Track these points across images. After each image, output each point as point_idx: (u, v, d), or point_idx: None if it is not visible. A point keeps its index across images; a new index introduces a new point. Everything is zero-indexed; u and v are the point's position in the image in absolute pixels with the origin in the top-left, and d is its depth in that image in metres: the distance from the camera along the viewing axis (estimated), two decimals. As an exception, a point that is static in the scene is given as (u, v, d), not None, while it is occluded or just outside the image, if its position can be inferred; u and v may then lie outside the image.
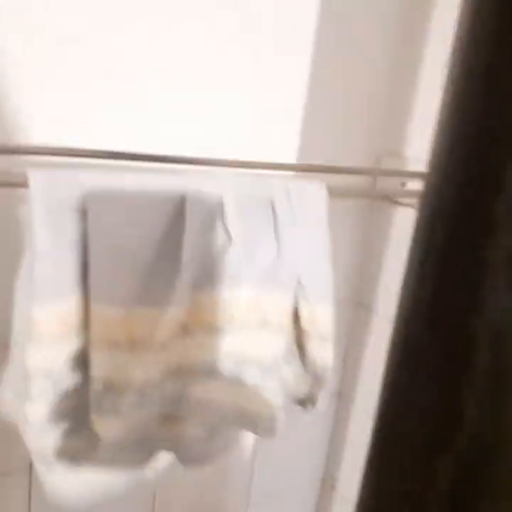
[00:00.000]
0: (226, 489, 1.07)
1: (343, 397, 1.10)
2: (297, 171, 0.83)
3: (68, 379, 0.51)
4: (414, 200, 0.90)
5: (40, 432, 0.52)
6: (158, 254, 0.51)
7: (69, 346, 0.50)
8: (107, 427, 0.50)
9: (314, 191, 0.58)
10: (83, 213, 0.48)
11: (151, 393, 0.51)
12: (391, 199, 0.95)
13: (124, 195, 0.49)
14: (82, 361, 0.51)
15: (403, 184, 0.94)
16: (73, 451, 0.53)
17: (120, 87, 0.65)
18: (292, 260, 0.56)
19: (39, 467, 0.56)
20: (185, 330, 0.53)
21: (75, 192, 0.47)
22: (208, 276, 0.52)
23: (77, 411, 0.52)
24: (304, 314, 0.56)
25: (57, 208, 0.47)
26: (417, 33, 0.90)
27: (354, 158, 0.93)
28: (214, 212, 0.53)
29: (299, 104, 0.84)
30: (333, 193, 0.66)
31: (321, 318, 0.56)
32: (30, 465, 0.68)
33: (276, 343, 0.55)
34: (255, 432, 0.55)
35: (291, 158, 0.85)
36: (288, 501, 1.19)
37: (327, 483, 1.20)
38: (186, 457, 0.58)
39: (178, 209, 0.51)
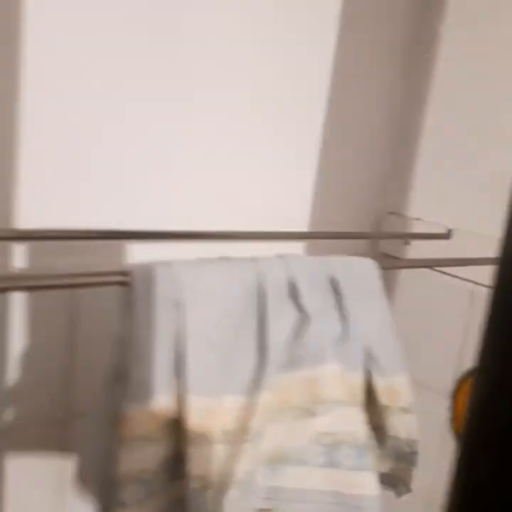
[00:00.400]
0: None
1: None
2: (310, 238, 0.87)
3: (162, 479, 0.49)
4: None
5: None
6: (244, 341, 0.51)
7: (163, 445, 0.49)
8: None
9: (367, 266, 0.61)
10: (179, 307, 0.47)
11: (250, 486, 0.50)
12: (395, 256, 1.00)
13: (213, 286, 0.49)
14: (175, 459, 0.50)
15: (407, 242, 0.99)
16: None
17: (151, 171, 0.67)
18: (361, 334, 0.57)
19: None
20: (274, 415, 0.52)
21: (172, 287, 0.47)
22: (291, 358, 0.53)
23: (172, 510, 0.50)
24: (381, 388, 0.57)
25: (158, 304, 0.46)
26: (417, 95, 0.97)
27: (357, 220, 0.98)
28: (291, 296, 0.54)
29: (307, 176, 0.88)
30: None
31: (400, 390, 0.57)
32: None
33: (364, 420, 0.56)
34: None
35: (302, 225, 0.90)
36: None
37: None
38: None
39: (258, 297, 0.52)
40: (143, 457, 0.47)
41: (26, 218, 0.58)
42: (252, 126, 0.77)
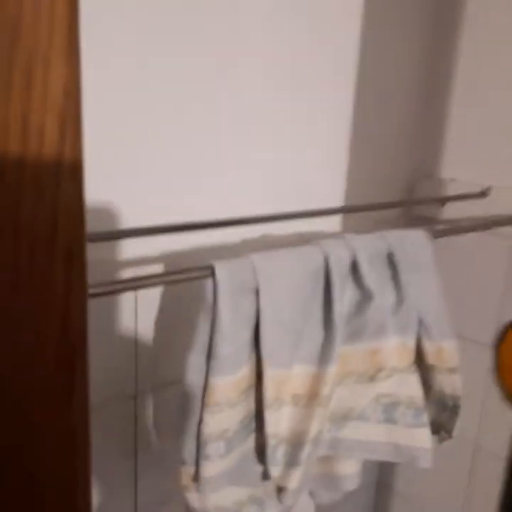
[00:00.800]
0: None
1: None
2: (348, 212, 0.91)
3: (241, 437, 0.57)
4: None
5: (214, 489, 0.57)
6: (312, 318, 0.57)
7: (242, 409, 0.56)
8: (290, 478, 0.56)
9: (420, 238, 0.65)
10: (255, 293, 0.53)
11: (319, 441, 0.57)
12: (432, 218, 1.04)
13: (286, 271, 0.55)
14: (252, 421, 0.57)
15: (443, 204, 1.03)
16: (245, 498, 0.59)
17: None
18: (413, 303, 0.63)
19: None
20: (339, 381, 0.59)
21: (249, 276, 0.52)
22: (355, 331, 0.59)
23: (247, 464, 0.58)
24: (430, 351, 0.63)
25: (237, 291, 0.52)
26: (445, 56, 0.98)
27: (393, 185, 1.02)
28: (352, 273, 0.59)
29: (341, 147, 0.92)
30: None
31: (447, 353, 0.63)
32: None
33: (419, 382, 0.62)
34: (412, 464, 0.61)
35: (339, 196, 0.94)
36: (350, 503, 1.26)
37: (382, 484, 1.28)
38: (333, 494, 0.64)
39: (324, 277, 0.57)
40: (225, 419, 0.54)
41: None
42: (285, 104, 0.80)
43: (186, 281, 0.48)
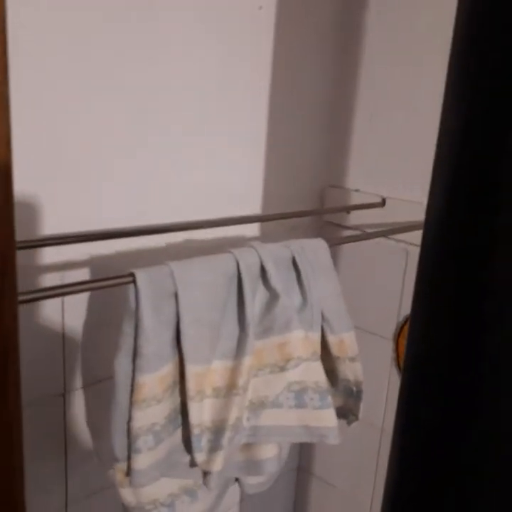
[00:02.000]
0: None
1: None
2: (265, 221, 0.99)
3: (168, 429, 0.62)
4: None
5: (145, 481, 0.63)
6: (228, 318, 0.64)
7: (169, 404, 0.62)
8: (213, 462, 0.62)
9: (319, 245, 0.75)
10: (175, 297, 0.59)
11: (238, 428, 0.64)
12: (339, 224, 1.14)
13: (202, 276, 0.61)
14: (178, 415, 0.63)
15: (348, 212, 1.13)
16: (177, 490, 0.65)
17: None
18: (316, 302, 0.71)
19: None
20: (254, 372, 0.66)
21: (168, 282, 0.59)
22: (266, 327, 0.66)
23: (176, 455, 0.64)
24: (333, 343, 0.72)
25: (157, 296, 0.58)
26: (347, 78, 1.09)
27: (304, 194, 1.12)
28: (261, 277, 0.67)
29: (258, 161, 1.00)
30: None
31: (347, 344, 0.73)
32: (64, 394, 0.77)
33: (323, 371, 0.70)
34: (322, 442, 0.70)
35: (257, 203, 1.02)
36: (273, 489, 1.35)
37: (303, 469, 1.38)
38: (256, 480, 0.72)
39: (237, 281, 0.65)
40: (152, 414, 0.60)
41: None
42: (202, 116, 0.87)
43: (109, 287, 0.53)
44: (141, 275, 0.56)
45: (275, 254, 0.68)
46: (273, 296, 0.67)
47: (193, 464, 0.66)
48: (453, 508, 0.42)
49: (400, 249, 1.06)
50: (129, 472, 0.62)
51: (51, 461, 0.80)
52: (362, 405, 0.75)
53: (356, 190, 1.13)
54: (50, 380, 0.76)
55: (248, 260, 0.65)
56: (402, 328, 1.09)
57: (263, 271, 0.67)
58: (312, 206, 1.15)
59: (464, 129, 0.38)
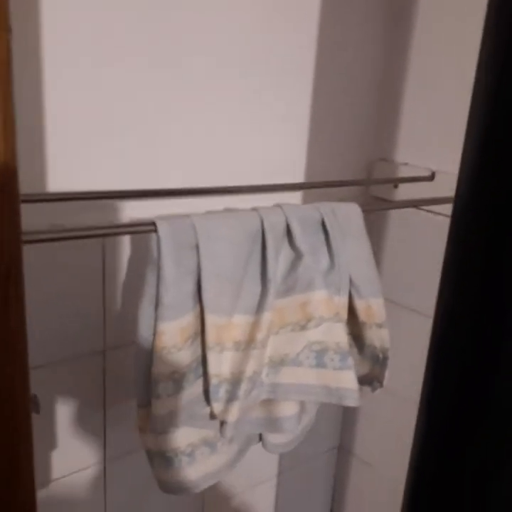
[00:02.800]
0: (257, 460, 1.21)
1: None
2: (305, 188, 0.98)
3: (187, 378, 0.64)
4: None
5: (165, 428, 0.65)
6: (250, 275, 0.65)
7: (189, 354, 0.63)
8: (229, 412, 0.64)
9: (351, 209, 0.73)
10: (196, 249, 0.61)
11: (256, 382, 0.65)
12: (386, 199, 1.11)
13: (223, 230, 0.62)
14: (199, 366, 0.65)
15: (395, 185, 1.10)
16: (197, 441, 0.67)
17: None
18: (344, 266, 0.70)
19: (157, 465, 0.68)
20: (275, 330, 0.67)
21: (189, 233, 0.60)
22: (289, 286, 0.67)
23: (196, 406, 0.66)
24: (360, 308, 0.71)
25: (178, 247, 0.59)
26: (398, 47, 1.06)
27: (351, 166, 1.09)
28: (286, 236, 0.67)
29: (303, 130, 0.99)
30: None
31: (375, 309, 0.71)
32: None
33: (345, 333, 0.70)
34: (342, 404, 0.69)
35: (300, 175, 1.01)
36: (313, 467, 1.34)
37: (344, 449, 1.36)
38: (279, 440, 0.72)
39: (259, 237, 0.65)
40: (172, 362, 0.62)
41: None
42: (247, 84, 0.87)
43: (130, 234, 0.55)
44: (162, 224, 0.58)
45: (302, 215, 0.68)
46: (297, 256, 0.67)
47: (212, 415, 0.67)
48: (477, 472, 0.41)
49: (448, 224, 1.02)
50: (149, 417, 0.64)
51: (91, 417, 0.84)
52: (387, 373, 0.73)
53: (405, 164, 1.10)
54: (90, 337, 0.79)
55: (273, 219, 0.66)
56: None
57: (288, 230, 0.67)
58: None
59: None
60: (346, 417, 1.33)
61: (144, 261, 0.68)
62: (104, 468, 0.90)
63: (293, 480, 1.31)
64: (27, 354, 0.40)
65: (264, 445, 0.79)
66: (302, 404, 0.74)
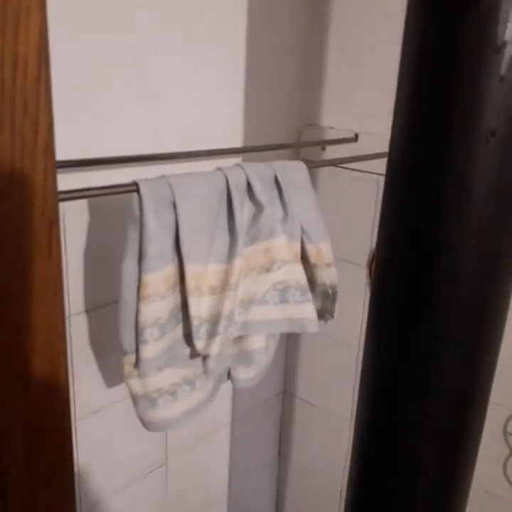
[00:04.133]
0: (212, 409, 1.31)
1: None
2: (242, 152, 1.07)
3: (171, 323, 0.72)
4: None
5: (153, 371, 0.72)
6: (220, 227, 0.73)
7: (171, 301, 0.71)
8: (211, 346, 0.72)
9: (298, 166, 0.83)
10: (173, 206, 0.68)
11: (232, 320, 0.74)
12: (315, 160, 1.22)
13: (196, 188, 0.70)
14: (179, 312, 0.72)
15: (323, 148, 1.22)
16: (179, 380, 0.75)
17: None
18: (296, 215, 0.81)
19: (142, 406, 0.75)
20: (244, 274, 0.76)
21: (167, 192, 0.67)
22: (253, 235, 0.76)
23: (177, 347, 0.73)
24: (311, 252, 0.82)
25: (158, 203, 0.66)
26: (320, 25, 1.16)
27: (282, 132, 1.19)
28: (248, 191, 0.75)
29: (235, 100, 1.07)
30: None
31: (324, 251, 0.82)
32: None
33: (303, 272, 0.80)
34: (304, 331, 0.80)
35: (237, 143, 1.09)
36: (261, 413, 1.47)
37: (288, 393, 1.50)
38: (251, 364, 0.82)
39: (225, 194, 0.73)
40: (157, 309, 0.69)
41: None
42: (185, 56, 0.92)
43: (114, 194, 0.61)
44: (143, 184, 0.64)
45: (260, 173, 0.77)
46: (258, 209, 0.76)
47: (192, 355, 0.76)
48: (419, 386, 0.53)
49: (372, 180, 1.15)
50: (137, 363, 0.71)
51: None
52: (337, 305, 0.85)
53: (331, 128, 1.21)
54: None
55: (236, 177, 0.74)
56: (374, 255, 1.19)
57: (249, 187, 0.76)
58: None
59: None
60: (289, 363, 1.46)
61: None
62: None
63: (244, 426, 1.43)
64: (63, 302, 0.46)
65: (232, 382, 0.88)
66: (267, 337, 0.84)
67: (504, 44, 0.57)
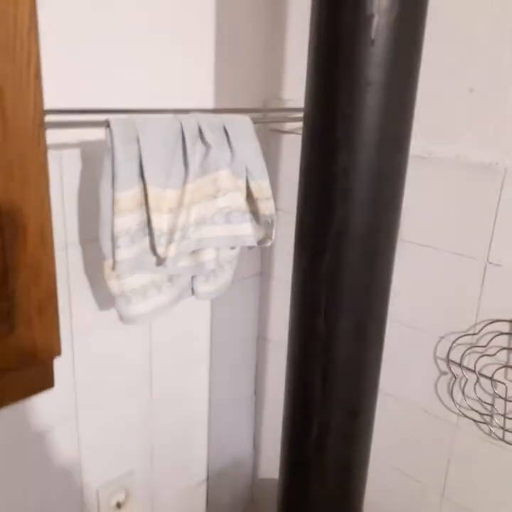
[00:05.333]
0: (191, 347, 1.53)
1: (264, 276, 1.61)
2: (216, 112, 1.29)
3: (139, 234, 0.94)
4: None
5: (126, 273, 0.94)
6: (176, 161, 0.96)
7: (138, 216, 0.94)
8: (170, 250, 0.95)
9: (244, 120, 1.05)
10: (137, 141, 0.90)
11: (185, 233, 0.96)
12: (279, 130, 1.44)
13: (155, 129, 0.92)
14: (145, 225, 0.95)
15: (285, 118, 1.44)
16: (147, 283, 0.98)
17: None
18: (241, 158, 1.03)
19: (119, 303, 0.98)
20: (196, 199, 0.98)
21: (132, 129, 0.89)
22: (203, 169, 0.98)
23: (145, 256, 0.96)
24: (254, 188, 1.04)
25: (125, 138, 0.89)
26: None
27: (250, 102, 1.42)
28: (199, 134, 0.98)
29: (207, 67, 1.29)
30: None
31: (264, 188, 1.05)
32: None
33: (243, 198, 1.03)
34: (244, 245, 1.02)
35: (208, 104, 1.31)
36: (237, 354, 1.68)
37: (261, 336, 1.71)
38: (208, 279, 1.05)
39: (180, 135, 0.96)
40: (127, 221, 0.92)
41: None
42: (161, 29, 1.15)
43: (89, 127, 0.83)
44: (113, 122, 0.87)
45: (209, 121, 1.00)
46: (207, 148, 0.99)
47: (157, 263, 0.98)
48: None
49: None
50: (114, 265, 0.94)
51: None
52: (274, 230, 1.08)
53: (290, 100, 1.43)
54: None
55: (189, 122, 0.97)
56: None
57: (200, 131, 0.98)
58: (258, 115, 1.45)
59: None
60: (262, 309, 1.68)
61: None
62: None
63: (222, 365, 1.64)
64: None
65: (196, 295, 1.11)
66: (221, 264, 1.08)
67: (372, 15, 0.82)
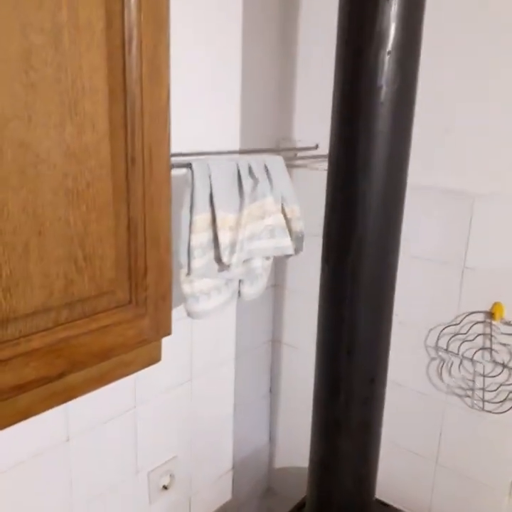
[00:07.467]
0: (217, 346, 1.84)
1: (278, 287, 1.95)
2: (239, 153, 1.65)
3: (209, 248, 1.27)
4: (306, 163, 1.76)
5: (197, 278, 1.27)
6: (233, 192, 1.30)
7: (208, 233, 1.26)
8: (232, 258, 1.28)
9: (279, 159, 1.41)
10: (209, 177, 1.24)
11: (242, 246, 1.30)
12: (291, 164, 1.81)
13: (221, 168, 1.26)
14: (211, 241, 1.28)
15: (295, 155, 1.80)
16: (211, 286, 1.30)
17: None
18: (278, 188, 1.38)
19: (190, 302, 1.29)
20: (249, 220, 1.32)
21: (206, 169, 1.23)
22: (253, 198, 1.33)
23: (211, 264, 1.29)
24: (288, 210, 1.39)
25: (201, 176, 1.22)
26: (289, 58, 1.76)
27: (265, 144, 1.78)
28: (250, 172, 1.32)
29: (234, 119, 1.65)
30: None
31: (296, 210, 1.41)
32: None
33: (283, 219, 1.38)
34: (285, 253, 1.37)
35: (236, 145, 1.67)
36: (255, 356, 1.99)
37: (276, 340, 2.03)
38: (253, 283, 1.38)
39: (237, 173, 1.30)
40: (200, 237, 1.24)
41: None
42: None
43: (180, 167, 1.17)
44: (194, 163, 1.21)
45: (256, 160, 1.34)
46: (255, 182, 1.33)
47: (220, 270, 1.31)
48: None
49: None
50: (188, 271, 1.26)
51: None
52: (304, 244, 1.43)
53: (299, 140, 1.80)
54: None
55: (243, 163, 1.31)
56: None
57: (250, 169, 1.33)
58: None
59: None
60: (276, 317, 2.00)
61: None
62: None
63: (244, 364, 1.95)
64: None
65: (242, 296, 1.43)
66: (264, 268, 1.42)
67: (381, 86, 1.22)
